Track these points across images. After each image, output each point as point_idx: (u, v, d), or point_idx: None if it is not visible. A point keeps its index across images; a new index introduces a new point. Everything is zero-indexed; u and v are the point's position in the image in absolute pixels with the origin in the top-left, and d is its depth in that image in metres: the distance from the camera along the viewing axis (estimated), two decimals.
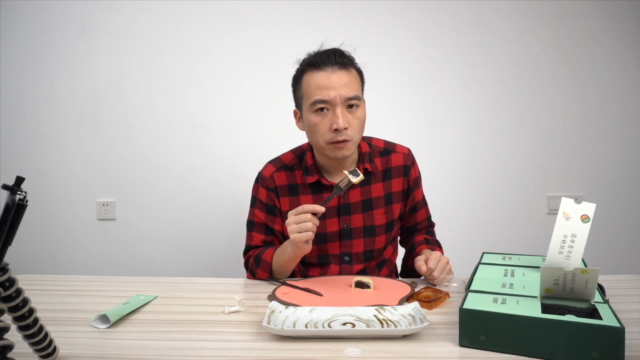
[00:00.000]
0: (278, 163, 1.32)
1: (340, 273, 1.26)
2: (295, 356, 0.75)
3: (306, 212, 1.08)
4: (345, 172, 1.11)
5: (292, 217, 1.09)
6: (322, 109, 1.16)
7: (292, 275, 1.25)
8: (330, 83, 1.14)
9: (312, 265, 1.28)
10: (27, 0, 2.15)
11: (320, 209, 1.08)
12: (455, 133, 2.21)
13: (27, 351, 0.70)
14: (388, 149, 1.32)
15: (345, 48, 1.22)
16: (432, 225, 1.43)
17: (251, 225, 1.31)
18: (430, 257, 1.13)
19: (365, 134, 1.28)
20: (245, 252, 1.31)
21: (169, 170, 2.21)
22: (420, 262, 1.13)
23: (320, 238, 1.26)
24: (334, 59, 1.16)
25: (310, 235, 1.08)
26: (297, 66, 1.23)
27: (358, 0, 2.16)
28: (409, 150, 1.34)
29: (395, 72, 2.17)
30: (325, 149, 1.19)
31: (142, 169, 2.21)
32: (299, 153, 1.32)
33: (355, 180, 1.09)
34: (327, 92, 1.14)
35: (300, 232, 1.07)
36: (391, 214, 1.29)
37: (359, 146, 1.28)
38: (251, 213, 1.32)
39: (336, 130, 1.15)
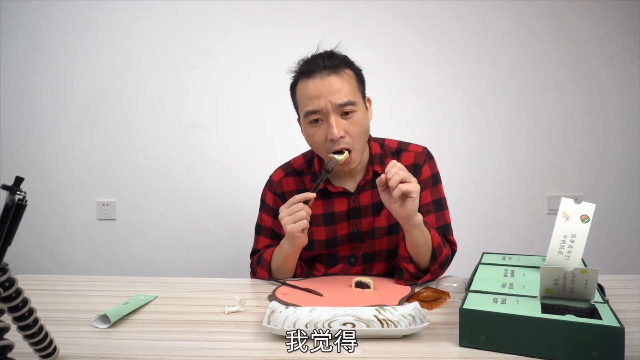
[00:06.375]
0: (287, 168, 1.30)
1: (340, 271, 1.25)
2: (295, 356, 0.75)
3: (297, 202, 1.07)
4: (330, 154, 1.11)
5: (284, 210, 1.09)
6: (316, 120, 1.11)
7: (294, 275, 1.25)
8: (320, 91, 1.08)
9: (320, 262, 1.27)
10: (27, 0, 2.15)
11: (311, 195, 1.08)
12: (455, 133, 2.21)
13: (27, 351, 0.70)
14: (400, 148, 1.26)
15: (341, 47, 1.16)
16: (447, 238, 1.19)
17: (259, 229, 1.30)
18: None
19: (376, 134, 1.26)
20: (252, 255, 1.31)
21: (169, 170, 2.21)
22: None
23: (331, 243, 1.24)
24: (322, 63, 1.10)
25: (305, 223, 1.07)
26: (292, 74, 1.17)
27: (358, 0, 2.16)
28: (423, 148, 1.27)
29: (395, 72, 2.17)
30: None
31: (142, 169, 2.21)
32: (309, 157, 1.30)
33: (340, 158, 1.09)
34: (317, 102, 1.09)
35: (295, 222, 1.07)
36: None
37: (370, 147, 1.23)
38: (259, 217, 1.31)
39: (332, 140, 1.10)
